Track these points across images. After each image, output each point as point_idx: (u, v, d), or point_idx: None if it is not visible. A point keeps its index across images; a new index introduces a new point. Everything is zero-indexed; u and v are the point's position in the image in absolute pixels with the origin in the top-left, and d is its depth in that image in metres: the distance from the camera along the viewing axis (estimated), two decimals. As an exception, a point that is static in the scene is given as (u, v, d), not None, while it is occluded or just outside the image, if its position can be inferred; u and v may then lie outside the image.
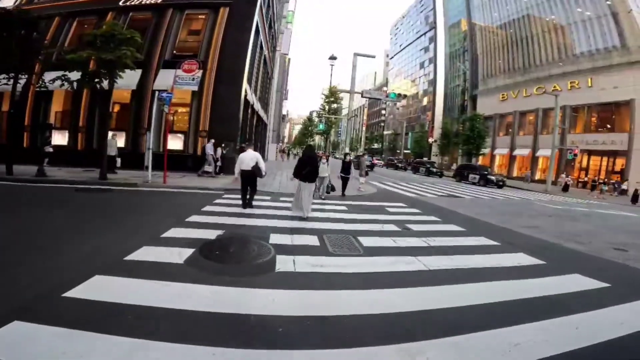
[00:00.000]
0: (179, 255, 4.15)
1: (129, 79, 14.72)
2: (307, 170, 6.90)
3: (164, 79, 14.36)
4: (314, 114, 40.47)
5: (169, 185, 10.01)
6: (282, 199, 9.23)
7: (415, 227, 6.95)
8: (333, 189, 10.02)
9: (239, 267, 4.03)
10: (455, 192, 16.59)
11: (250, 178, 7.55)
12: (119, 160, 12.54)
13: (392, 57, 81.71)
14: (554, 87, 33.74)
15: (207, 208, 7.21)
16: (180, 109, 15.01)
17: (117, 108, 16.81)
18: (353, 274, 4.04)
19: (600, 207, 15.76)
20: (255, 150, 8.51)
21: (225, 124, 14.02)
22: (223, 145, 14.03)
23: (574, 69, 32.60)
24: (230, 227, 5.75)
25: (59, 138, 15.35)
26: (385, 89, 69.17)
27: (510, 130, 38.81)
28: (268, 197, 9.29)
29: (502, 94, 39.84)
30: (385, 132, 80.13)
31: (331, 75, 25.60)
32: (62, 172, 11.31)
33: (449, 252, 5.30)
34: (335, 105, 24.85)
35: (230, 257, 4.37)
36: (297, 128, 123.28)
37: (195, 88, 13.71)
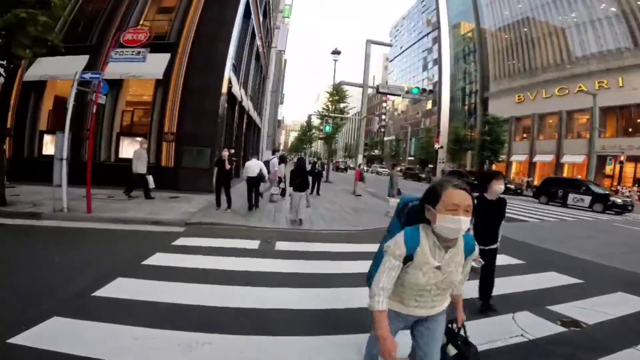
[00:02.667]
0: None
1: (70, 67, 11.10)
2: (298, 181, 7.26)
3: (118, 65, 10.67)
4: (313, 117, 36.79)
5: (93, 216, 6.19)
6: (279, 246, 5.41)
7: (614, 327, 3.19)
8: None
9: None
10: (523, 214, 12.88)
11: (255, 183, 8.21)
12: (150, 179, 8.69)
13: (391, 60, 78.75)
14: (579, 87, 30.57)
15: (114, 286, 3.33)
16: (138, 107, 11.27)
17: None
18: None
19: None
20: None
21: (200, 124, 10.28)
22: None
23: (602, 68, 29.47)
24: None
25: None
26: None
27: (528, 134, 35.53)
28: (255, 243, 5.46)
29: (518, 96, 36.63)
30: (385, 138, 76.78)
31: (334, 71, 21.97)
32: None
33: None
34: (341, 105, 21.18)
35: None
36: (293, 135, 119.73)
37: (155, 74, 10.09)
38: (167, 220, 6.30)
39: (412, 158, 56.51)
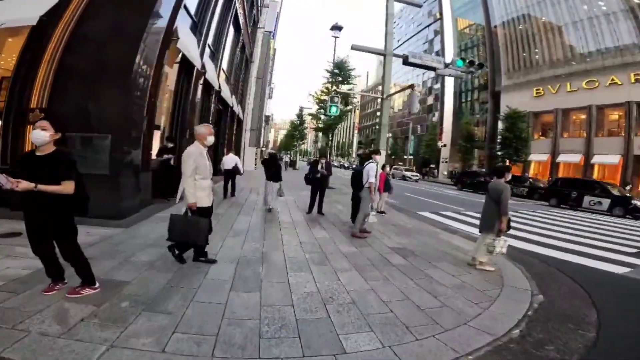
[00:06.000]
0: None
1: None
2: (271, 172, 7.94)
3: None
4: (306, 110, 32.01)
5: None
6: None
7: None
8: None
9: None
10: None
11: (231, 176, 9.53)
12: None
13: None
14: (612, 79, 26.67)
15: None
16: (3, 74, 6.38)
17: None
18: None
19: None
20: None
21: (98, 93, 5.50)
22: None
23: (638, 60, 25.59)
24: None
25: None
26: (379, 88, 61.74)
27: (549, 131, 31.53)
28: None
29: (537, 89, 32.56)
30: (381, 136, 72.46)
31: (334, 50, 17.42)
32: None
33: None
34: (345, 87, 16.61)
35: None
36: (282, 133, 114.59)
37: (26, 19, 5.38)
38: None
39: (411, 157, 52.42)
